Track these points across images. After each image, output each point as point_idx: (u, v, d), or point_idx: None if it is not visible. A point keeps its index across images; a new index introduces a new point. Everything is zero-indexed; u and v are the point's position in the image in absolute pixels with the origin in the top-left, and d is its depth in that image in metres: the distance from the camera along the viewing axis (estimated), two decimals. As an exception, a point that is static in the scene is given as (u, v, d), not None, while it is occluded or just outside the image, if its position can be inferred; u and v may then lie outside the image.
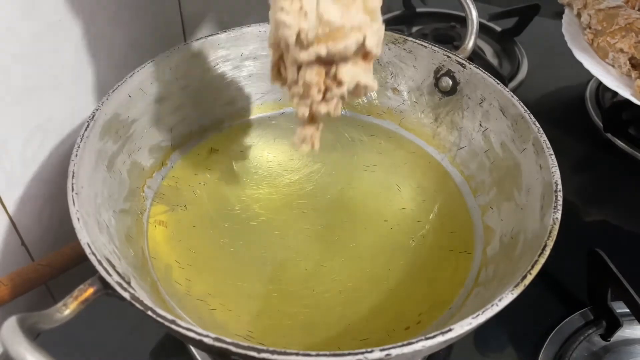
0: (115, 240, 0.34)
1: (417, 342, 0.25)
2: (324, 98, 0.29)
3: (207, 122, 0.46)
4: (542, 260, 0.30)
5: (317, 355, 0.25)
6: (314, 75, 0.28)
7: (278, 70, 0.30)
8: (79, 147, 0.34)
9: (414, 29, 0.73)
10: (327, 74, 0.28)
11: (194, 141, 0.45)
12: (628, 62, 0.52)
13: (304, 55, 0.27)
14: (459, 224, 0.40)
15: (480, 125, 0.42)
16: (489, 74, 0.42)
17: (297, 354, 0.25)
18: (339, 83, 0.29)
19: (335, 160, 0.44)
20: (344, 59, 0.28)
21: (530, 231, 0.34)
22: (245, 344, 0.25)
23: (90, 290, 0.28)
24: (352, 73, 0.28)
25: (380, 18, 0.28)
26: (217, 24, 0.56)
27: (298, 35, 0.27)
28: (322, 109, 0.29)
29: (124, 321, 0.41)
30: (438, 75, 0.45)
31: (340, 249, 0.38)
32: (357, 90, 0.29)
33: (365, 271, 0.38)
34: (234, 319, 0.35)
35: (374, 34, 0.28)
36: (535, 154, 0.37)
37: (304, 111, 0.30)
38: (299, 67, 0.28)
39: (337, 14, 0.26)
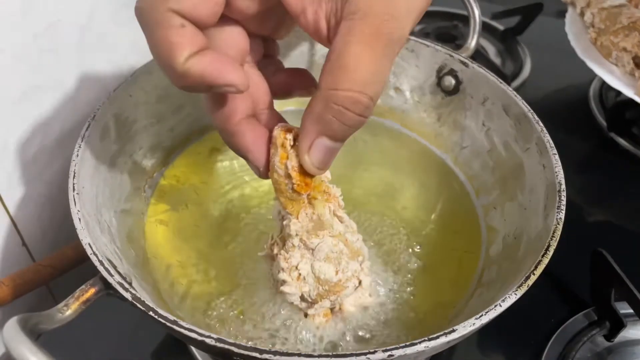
0: (117, 241, 0.34)
1: (420, 342, 0.25)
2: None
3: (208, 122, 0.46)
4: (546, 261, 0.30)
5: (320, 356, 0.25)
6: (322, 317, 0.32)
7: None
8: (80, 147, 0.34)
9: (416, 28, 0.73)
10: (332, 310, 0.32)
11: (194, 140, 0.45)
12: (631, 61, 0.52)
13: (312, 311, 0.31)
14: (461, 224, 0.40)
15: (483, 124, 0.42)
16: (491, 73, 0.41)
17: (299, 355, 0.25)
18: (346, 313, 0.32)
19: (337, 160, 0.44)
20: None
21: (534, 231, 0.34)
22: (247, 344, 0.25)
23: (92, 291, 0.28)
24: (354, 300, 0.32)
25: (365, 251, 0.31)
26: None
27: (302, 295, 0.30)
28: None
29: (125, 322, 0.41)
30: (440, 75, 0.44)
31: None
32: None
33: (367, 271, 0.37)
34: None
35: (367, 274, 0.31)
36: (538, 153, 0.37)
37: None
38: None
39: (332, 272, 0.29)
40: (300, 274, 0.29)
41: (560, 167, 0.35)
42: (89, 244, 0.29)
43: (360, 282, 0.31)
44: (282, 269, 0.29)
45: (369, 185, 0.43)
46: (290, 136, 0.27)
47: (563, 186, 0.34)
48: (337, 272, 0.29)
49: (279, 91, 0.29)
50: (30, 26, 0.37)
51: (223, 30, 0.25)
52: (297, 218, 0.29)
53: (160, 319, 0.26)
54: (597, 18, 0.56)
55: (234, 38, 0.26)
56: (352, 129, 0.24)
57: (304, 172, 0.27)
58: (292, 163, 0.27)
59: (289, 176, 0.28)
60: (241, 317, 0.34)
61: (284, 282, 0.29)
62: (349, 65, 0.22)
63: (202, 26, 0.23)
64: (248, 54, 0.27)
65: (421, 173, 0.44)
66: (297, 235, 0.29)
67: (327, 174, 0.30)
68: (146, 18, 0.23)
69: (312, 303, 0.30)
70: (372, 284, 0.34)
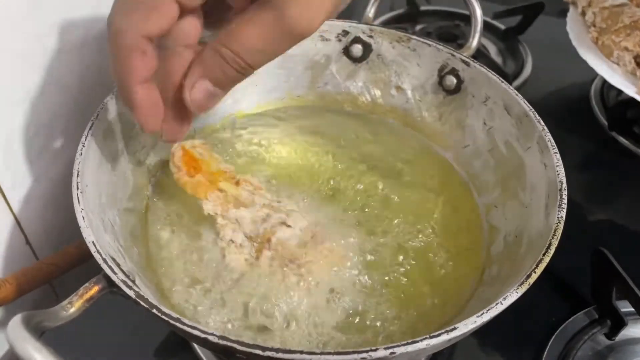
0: (120, 239, 0.34)
1: (421, 340, 0.25)
2: None
3: (211, 120, 0.46)
4: (547, 259, 0.30)
5: (322, 353, 0.25)
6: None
7: None
8: (83, 146, 0.34)
9: (418, 27, 0.73)
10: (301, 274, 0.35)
11: (198, 139, 0.45)
12: (633, 61, 0.52)
13: (262, 267, 0.35)
14: (463, 223, 0.40)
15: (485, 123, 0.42)
16: (493, 72, 0.42)
17: (301, 352, 0.25)
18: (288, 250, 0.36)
19: (339, 159, 0.44)
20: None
21: (535, 230, 0.34)
22: (250, 342, 0.25)
23: (95, 289, 0.28)
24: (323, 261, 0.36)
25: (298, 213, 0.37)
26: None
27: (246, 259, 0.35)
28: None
29: (128, 319, 0.41)
30: (442, 74, 0.44)
31: (344, 248, 0.38)
32: None
33: (369, 270, 0.38)
34: (238, 318, 0.35)
35: (296, 212, 0.36)
36: (539, 152, 0.37)
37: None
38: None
39: (257, 228, 0.36)
40: (236, 244, 0.35)
41: (562, 166, 0.35)
42: (93, 242, 0.29)
43: (287, 225, 0.35)
44: (224, 249, 0.35)
45: (370, 184, 0.43)
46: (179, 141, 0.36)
47: (564, 185, 0.34)
48: (261, 223, 0.35)
49: None
50: (34, 26, 0.37)
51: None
52: (207, 199, 0.36)
53: (163, 317, 0.26)
54: (599, 17, 0.56)
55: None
56: (230, 81, 0.29)
57: (187, 160, 0.37)
58: (178, 155, 0.37)
59: (179, 168, 0.36)
60: (243, 313, 0.35)
61: (224, 255, 0.35)
62: (242, 39, 0.28)
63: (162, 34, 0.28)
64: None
65: (422, 172, 0.44)
66: (216, 214, 0.35)
67: (229, 167, 0.38)
68: (119, 39, 0.27)
69: (256, 259, 0.35)
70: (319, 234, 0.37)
